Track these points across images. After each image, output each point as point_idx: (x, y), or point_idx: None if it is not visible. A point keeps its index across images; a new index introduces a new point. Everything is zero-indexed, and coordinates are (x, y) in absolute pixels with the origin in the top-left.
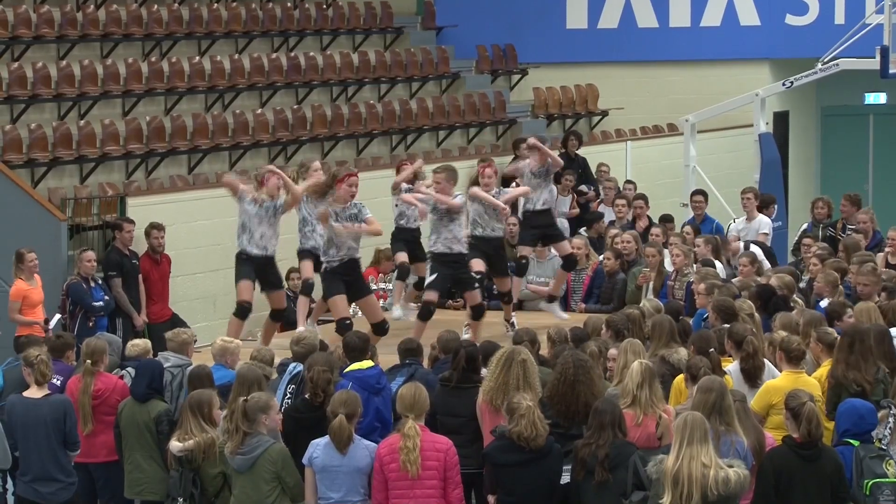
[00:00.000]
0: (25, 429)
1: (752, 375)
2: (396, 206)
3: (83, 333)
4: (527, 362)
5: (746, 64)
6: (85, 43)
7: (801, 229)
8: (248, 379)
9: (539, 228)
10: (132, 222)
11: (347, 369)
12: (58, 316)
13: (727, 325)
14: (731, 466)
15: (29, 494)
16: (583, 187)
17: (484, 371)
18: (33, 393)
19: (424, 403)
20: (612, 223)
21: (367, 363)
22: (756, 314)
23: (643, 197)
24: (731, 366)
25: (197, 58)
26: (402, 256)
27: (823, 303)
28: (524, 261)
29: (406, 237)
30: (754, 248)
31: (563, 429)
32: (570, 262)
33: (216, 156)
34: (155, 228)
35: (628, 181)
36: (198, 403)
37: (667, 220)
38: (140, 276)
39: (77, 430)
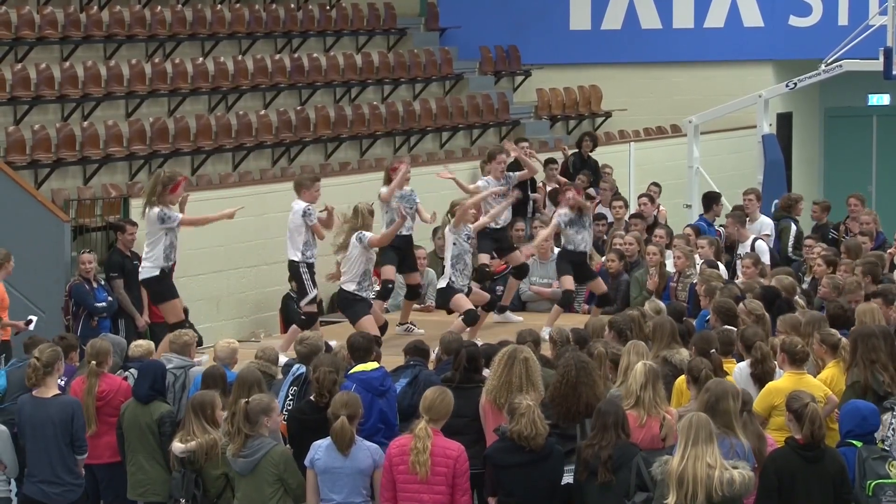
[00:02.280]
0: (33, 428)
1: (763, 380)
2: (386, 212)
3: (86, 334)
4: (529, 360)
5: (750, 65)
6: (88, 44)
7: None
8: (248, 381)
9: (495, 241)
10: (135, 224)
11: (352, 371)
12: (35, 318)
13: (729, 327)
14: (735, 468)
15: (36, 494)
16: (591, 190)
17: (486, 372)
18: (43, 393)
19: (444, 409)
20: (610, 224)
21: (371, 364)
22: (766, 315)
23: (648, 195)
24: (737, 366)
25: (200, 59)
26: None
27: None
28: (486, 268)
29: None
30: (760, 244)
31: (560, 429)
32: (521, 272)
33: (219, 157)
34: None
35: (654, 183)
36: (200, 404)
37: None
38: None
39: (84, 432)
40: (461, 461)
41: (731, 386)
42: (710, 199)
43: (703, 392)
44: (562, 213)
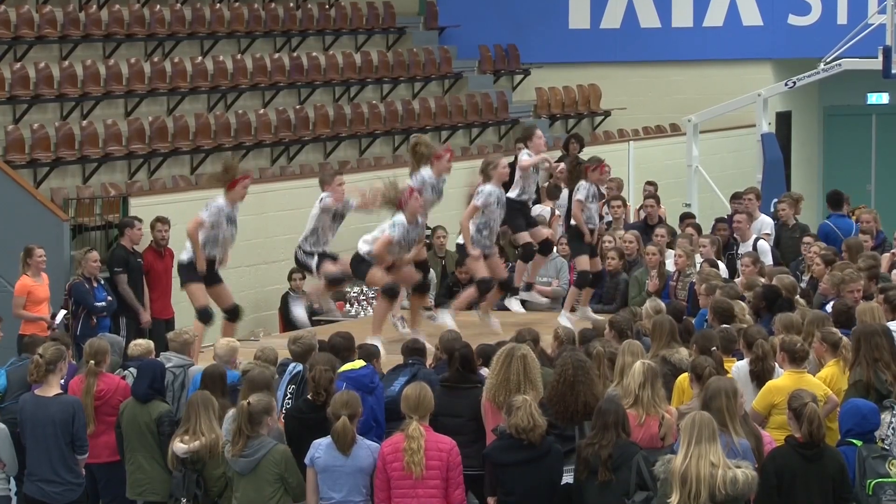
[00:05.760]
0: (34, 427)
1: (762, 378)
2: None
3: (86, 334)
4: (527, 358)
5: (749, 64)
6: (87, 43)
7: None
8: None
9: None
10: (142, 221)
11: (340, 370)
12: (63, 311)
13: (726, 326)
14: (738, 467)
15: (36, 493)
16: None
17: (484, 372)
18: (44, 392)
19: (429, 404)
20: (609, 223)
21: (358, 363)
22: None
23: (653, 196)
24: (735, 365)
25: (199, 58)
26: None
27: (829, 306)
28: (532, 246)
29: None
30: (762, 244)
31: (559, 430)
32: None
33: (218, 156)
34: (159, 222)
35: (649, 182)
36: (207, 402)
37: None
38: (143, 275)
39: (85, 432)
40: (454, 454)
41: (728, 383)
42: (839, 197)
43: (701, 390)
44: (584, 185)
